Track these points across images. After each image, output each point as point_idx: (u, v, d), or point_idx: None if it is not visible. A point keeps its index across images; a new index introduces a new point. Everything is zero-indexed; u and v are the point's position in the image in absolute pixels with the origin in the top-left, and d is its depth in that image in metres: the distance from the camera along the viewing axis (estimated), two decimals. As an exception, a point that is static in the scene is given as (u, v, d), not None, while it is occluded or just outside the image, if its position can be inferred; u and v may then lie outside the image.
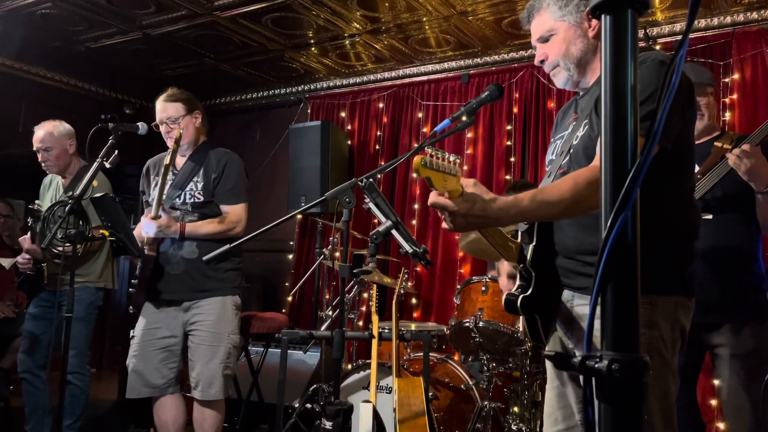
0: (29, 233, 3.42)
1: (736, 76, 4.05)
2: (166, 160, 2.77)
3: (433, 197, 1.49)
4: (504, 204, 1.49)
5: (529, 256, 1.69)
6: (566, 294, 1.71)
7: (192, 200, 2.96)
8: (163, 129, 3.01)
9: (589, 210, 1.54)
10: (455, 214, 1.47)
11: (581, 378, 1.74)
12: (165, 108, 3.01)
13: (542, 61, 1.84)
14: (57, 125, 3.61)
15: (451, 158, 1.45)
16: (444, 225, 1.54)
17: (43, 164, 3.58)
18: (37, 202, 3.61)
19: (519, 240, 1.74)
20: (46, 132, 3.55)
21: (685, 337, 1.63)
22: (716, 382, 2.49)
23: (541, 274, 1.68)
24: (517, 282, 1.73)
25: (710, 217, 2.41)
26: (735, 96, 4.04)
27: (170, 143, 2.89)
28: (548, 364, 1.92)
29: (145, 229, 2.81)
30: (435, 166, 1.40)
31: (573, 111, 1.87)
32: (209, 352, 2.87)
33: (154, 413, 2.94)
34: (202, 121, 3.09)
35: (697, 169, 2.44)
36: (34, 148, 3.56)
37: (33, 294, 3.66)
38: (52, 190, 3.70)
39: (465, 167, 4.98)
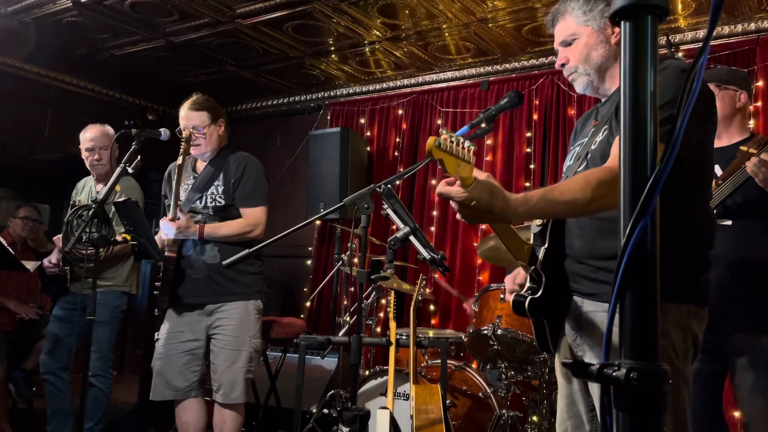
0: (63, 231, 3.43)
1: (760, 83, 3.99)
2: (179, 161, 2.80)
3: (441, 186, 1.44)
4: (514, 199, 1.46)
5: (540, 258, 1.67)
6: (576, 300, 1.68)
7: (213, 204, 2.98)
8: (185, 134, 3.01)
9: (599, 210, 1.51)
10: (462, 204, 1.43)
11: (593, 386, 1.70)
12: (190, 116, 3.02)
13: (563, 65, 1.84)
14: (107, 127, 3.63)
15: (466, 144, 1.40)
16: (458, 216, 1.49)
17: (96, 162, 3.54)
18: (78, 198, 3.63)
19: (531, 242, 1.72)
20: (102, 132, 3.56)
21: (697, 346, 1.59)
22: (737, 395, 2.45)
23: (552, 277, 1.66)
24: (527, 284, 1.70)
25: (729, 222, 2.37)
26: (759, 103, 3.98)
27: (194, 151, 2.92)
28: (558, 373, 1.89)
29: (164, 230, 2.84)
30: (449, 149, 1.35)
31: (593, 118, 1.86)
32: (231, 356, 2.89)
33: (176, 415, 2.97)
34: (225, 129, 3.12)
35: (720, 172, 2.40)
36: (88, 147, 3.53)
37: (58, 296, 3.69)
38: (85, 193, 3.68)
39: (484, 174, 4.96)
